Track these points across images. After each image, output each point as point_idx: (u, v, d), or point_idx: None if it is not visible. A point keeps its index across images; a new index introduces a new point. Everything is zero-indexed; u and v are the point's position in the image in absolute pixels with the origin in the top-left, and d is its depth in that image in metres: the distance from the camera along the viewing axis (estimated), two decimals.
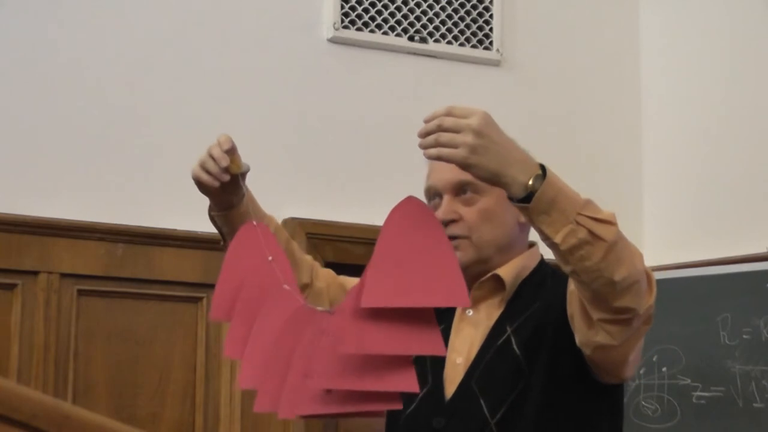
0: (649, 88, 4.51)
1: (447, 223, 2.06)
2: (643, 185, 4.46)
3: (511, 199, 1.76)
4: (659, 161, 4.44)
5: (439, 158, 1.72)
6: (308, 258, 2.21)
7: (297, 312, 1.71)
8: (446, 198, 2.09)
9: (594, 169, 4.32)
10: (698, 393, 3.84)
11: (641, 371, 3.91)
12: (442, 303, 1.52)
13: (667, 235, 4.29)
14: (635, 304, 1.81)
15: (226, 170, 1.93)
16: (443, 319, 2.10)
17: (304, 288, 2.14)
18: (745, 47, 4.20)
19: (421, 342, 1.52)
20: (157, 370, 3.65)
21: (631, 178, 4.44)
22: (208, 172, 1.94)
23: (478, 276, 2.10)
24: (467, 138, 1.70)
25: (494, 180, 1.73)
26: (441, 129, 1.71)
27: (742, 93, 4.18)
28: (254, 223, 1.87)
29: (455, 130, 1.71)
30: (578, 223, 1.73)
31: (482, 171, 1.72)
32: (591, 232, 1.74)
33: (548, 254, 2.05)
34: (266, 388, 1.67)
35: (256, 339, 1.73)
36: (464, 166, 1.72)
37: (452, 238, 2.05)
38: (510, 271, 2.09)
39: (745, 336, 3.77)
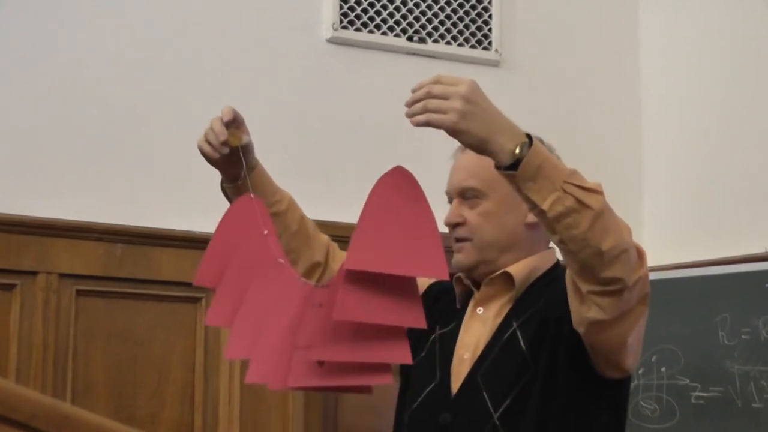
0: (649, 88, 4.51)
1: (454, 226, 2.11)
2: (643, 185, 4.46)
3: (498, 167, 1.77)
4: (659, 161, 4.44)
5: (427, 124, 1.74)
6: (324, 237, 2.22)
7: (292, 285, 1.71)
8: (455, 202, 2.13)
9: (594, 169, 4.28)
10: (697, 393, 3.83)
11: (640, 371, 3.91)
12: (421, 273, 1.54)
13: (667, 235, 4.29)
14: (623, 273, 1.81)
15: (225, 143, 1.95)
16: (455, 316, 2.14)
17: (316, 266, 2.16)
18: (745, 47, 4.20)
19: (403, 313, 1.53)
20: (156, 370, 3.65)
21: (631, 178, 4.44)
22: (209, 143, 1.97)
23: (487, 275, 2.11)
24: (456, 104, 1.72)
25: (482, 146, 1.75)
26: (429, 96, 1.73)
27: (742, 93, 4.18)
28: (251, 196, 1.88)
29: (444, 97, 1.73)
30: (565, 191, 1.75)
31: (470, 137, 1.74)
32: (578, 200, 1.75)
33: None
34: (258, 360, 1.68)
35: (247, 311, 1.73)
36: (453, 131, 1.74)
37: (457, 240, 2.11)
38: (521, 269, 2.10)
39: (744, 336, 3.77)
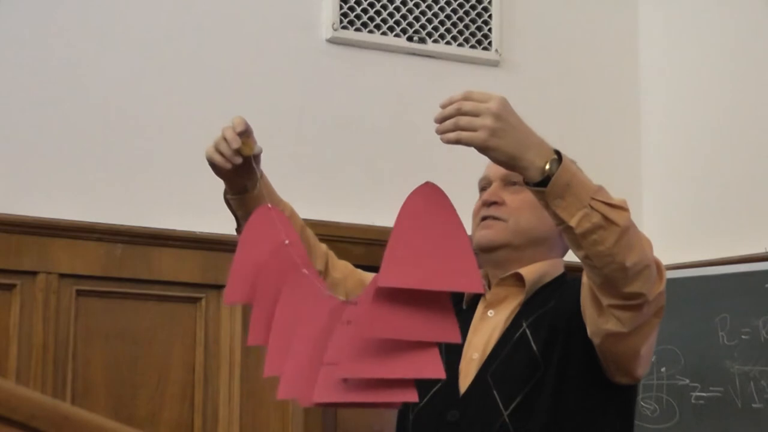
0: (649, 88, 4.50)
1: (489, 204, 2.12)
2: (643, 185, 4.46)
3: (527, 183, 1.78)
4: (659, 161, 4.44)
5: (458, 142, 1.73)
6: (323, 246, 2.21)
7: (318, 299, 1.71)
8: (495, 184, 2.14)
9: (593, 169, 4.28)
10: (697, 393, 3.83)
11: None
12: (456, 287, 1.53)
13: (667, 235, 4.28)
14: (645, 289, 1.84)
15: (237, 152, 1.94)
16: (462, 318, 2.13)
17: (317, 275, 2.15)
18: (744, 47, 4.20)
19: (437, 329, 1.53)
20: (156, 371, 3.65)
21: (630, 179, 4.44)
22: (221, 153, 1.95)
23: (504, 264, 2.13)
24: (486, 121, 1.71)
25: (512, 163, 1.75)
26: (460, 113, 1.72)
27: (742, 93, 4.18)
28: (269, 206, 1.86)
29: (474, 114, 1.72)
30: (592, 208, 1.76)
31: (501, 154, 1.74)
32: (605, 217, 1.76)
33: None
34: (288, 376, 1.68)
35: (279, 326, 1.73)
36: (484, 149, 1.73)
37: (489, 218, 2.12)
38: (532, 272, 2.11)
39: (744, 336, 3.77)
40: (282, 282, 1.76)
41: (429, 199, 1.56)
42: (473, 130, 1.71)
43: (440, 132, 1.74)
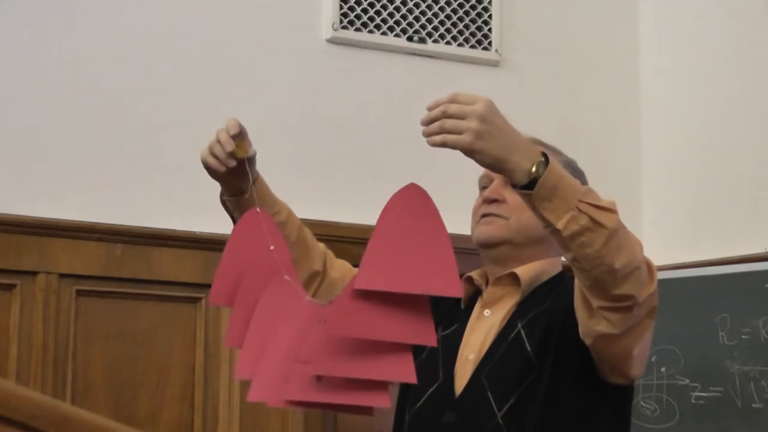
0: (649, 88, 4.51)
1: (490, 202, 2.12)
2: (643, 185, 4.46)
3: (514, 186, 1.77)
4: (659, 161, 4.44)
5: (443, 145, 1.72)
6: (321, 246, 2.20)
7: (298, 304, 1.70)
8: (496, 182, 2.13)
9: (593, 169, 4.29)
10: (697, 393, 3.83)
11: None
12: (435, 291, 1.52)
13: (667, 235, 4.29)
14: (635, 291, 1.82)
15: (231, 155, 1.93)
16: (458, 318, 2.14)
17: (315, 276, 2.15)
18: (745, 47, 4.20)
19: (413, 331, 1.52)
20: (156, 371, 3.65)
21: (630, 179, 4.44)
22: (215, 156, 1.94)
23: (503, 261, 2.13)
24: (472, 124, 1.70)
25: (498, 166, 1.74)
26: (445, 116, 1.72)
27: (742, 93, 4.18)
28: (257, 210, 1.86)
29: (460, 117, 1.71)
30: (580, 210, 1.75)
31: (487, 157, 1.73)
32: (592, 219, 1.75)
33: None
34: (260, 379, 1.67)
35: (255, 330, 1.73)
36: (469, 151, 1.72)
37: (489, 215, 2.11)
38: (528, 271, 2.11)
39: (744, 336, 3.77)
40: (264, 287, 1.75)
41: (411, 201, 1.55)
42: (459, 133, 1.70)
43: (426, 135, 1.73)
